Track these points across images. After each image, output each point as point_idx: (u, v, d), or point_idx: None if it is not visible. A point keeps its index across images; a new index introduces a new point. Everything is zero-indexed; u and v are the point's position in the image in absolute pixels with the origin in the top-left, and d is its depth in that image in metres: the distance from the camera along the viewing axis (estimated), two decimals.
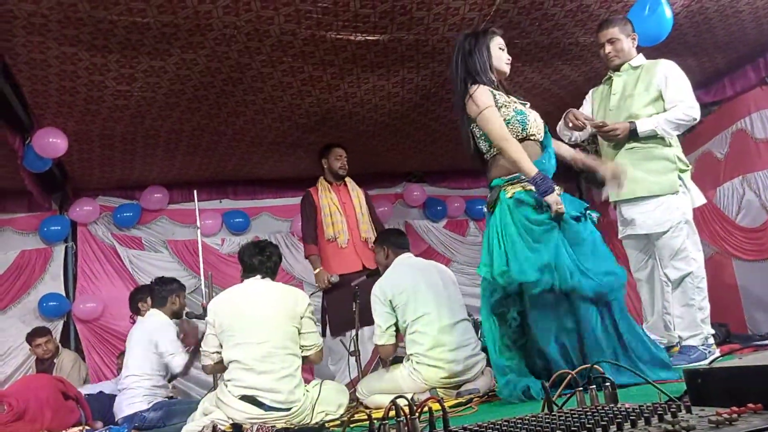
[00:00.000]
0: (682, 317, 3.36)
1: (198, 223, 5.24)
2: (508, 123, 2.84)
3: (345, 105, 4.82)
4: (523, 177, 2.81)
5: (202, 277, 4.98)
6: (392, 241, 3.88)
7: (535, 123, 2.92)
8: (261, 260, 3.35)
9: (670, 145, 3.38)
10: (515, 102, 2.93)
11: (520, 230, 2.76)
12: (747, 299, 5.30)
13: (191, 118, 4.71)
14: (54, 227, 5.93)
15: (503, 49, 2.99)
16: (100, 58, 3.67)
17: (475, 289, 6.04)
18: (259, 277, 3.34)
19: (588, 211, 2.90)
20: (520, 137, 2.84)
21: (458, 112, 3.02)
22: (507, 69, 3.00)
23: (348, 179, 4.82)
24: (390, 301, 3.54)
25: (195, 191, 5.37)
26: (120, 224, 6.17)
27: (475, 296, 5.66)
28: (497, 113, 2.82)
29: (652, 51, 4.46)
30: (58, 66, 3.70)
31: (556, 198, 2.73)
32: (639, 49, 3.56)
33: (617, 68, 3.51)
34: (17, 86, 3.95)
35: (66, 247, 6.03)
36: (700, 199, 3.48)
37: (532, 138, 2.88)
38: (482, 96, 2.83)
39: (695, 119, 3.35)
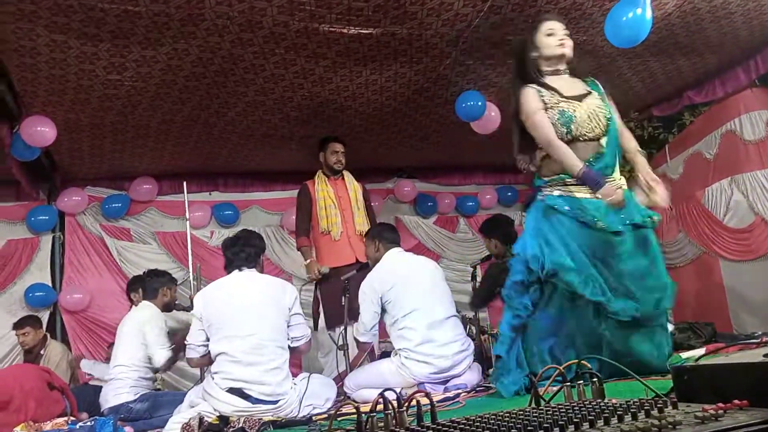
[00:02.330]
0: None
1: (187, 215, 5.21)
2: (553, 126, 2.83)
3: (337, 98, 4.80)
4: (565, 179, 2.81)
5: (191, 270, 4.96)
6: (383, 235, 3.89)
7: (588, 120, 2.83)
8: (234, 251, 3.36)
9: None
10: (564, 102, 2.86)
11: (555, 231, 2.77)
12: (733, 299, 5.33)
13: (182, 108, 4.68)
14: (41, 217, 5.87)
15: (553, 33, 2.92)
16: (90, 47, 3.64)
17: (464, 285, 6.06)
18: (243, 269, 3.33)
19: (646, 219, 2.84)
20: (566, 140, 2.81)
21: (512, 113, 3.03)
22: (560, 51, 2.91)
23: (346, 173, 4.89)
24: (380, 298, 3.54)
25: (184, 183, 5.34)
26: (108, 215, 6.12)
27: (464, 293, 5.71)
28: (545, 117, 2.82)
29: (643, 50, 4.50)
30: (48, 54, 3.66)
31: (608, 190, 2.69)
32: (626, 53, 3.56)
33: None
34: (5, 74, 3.90)
35: (53, 237, 5.98)
36: None
37: (581, 139, 2.82)
38: (529, 101, 2.86)
39: None
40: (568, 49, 2.90)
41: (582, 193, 2.80)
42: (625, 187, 2.86)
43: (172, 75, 4.11)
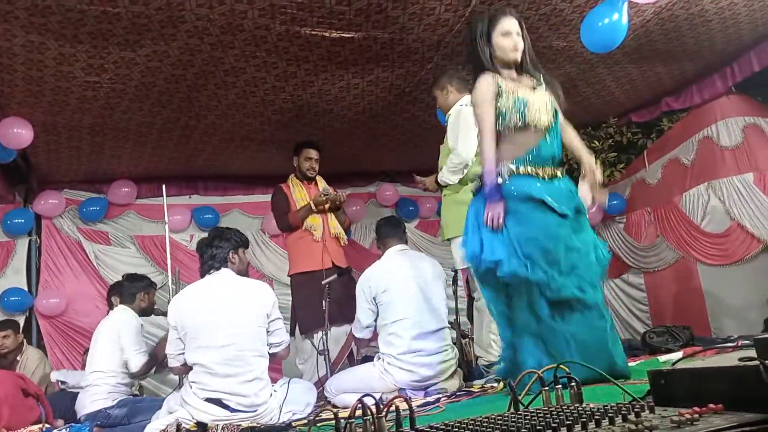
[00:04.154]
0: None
1: (166, 219, 5.16)
2: (506, 113, 2.81)
3: (319, 102, 4.80)
4: (515, 166, 2.80)
5: (170, 274, 4.91)
6: (381, 232, 3.82)
7: (540, 110, 2.84)
8: (202, 254, 3.29)
9: (461, 187, 3.76)
10: (518, 88, 2.86)
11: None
12: (711, 303, 5.40)
13: (162, 111, 4.64)
14: (17, 220, 5.77)
15: (509, 34, 2.87)
16: (68, 48, 3.59)
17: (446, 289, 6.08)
18: (213, 272, 3.25)
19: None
20: (519, 125, 2.81)
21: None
22: (513, 56, 2.89)
23: (318, 177, 4.82)
24: (374, 298, 3.52)
25: (164, 186, 5.29)
26: (86, 218, 6.05)
27: (446, 296, 5.71)
28: (491, 110, 2.81)
29: (622, 56, 4.55)
30: (25, 55, 3.61)
31: (493, 212, 2.70)
32: (605, 58, 3.61)
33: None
34: None
35: (29, 241, 5.89)
36: None
37: (532, 125, 2.82)
38: (482, 91, 2.83)
39: (461, 162, 3.71)
40: (519, 53, 2.91)
41: (538, 177, 2.81)
42: (560, 176, 2.88)
43: (151, 77, 4.07)
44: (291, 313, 4.63)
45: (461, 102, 3.83)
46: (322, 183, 4.80)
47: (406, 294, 3.47)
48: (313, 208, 4.53)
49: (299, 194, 4.65)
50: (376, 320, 3.57)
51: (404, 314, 3.42)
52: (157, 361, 4.05)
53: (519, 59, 2.92)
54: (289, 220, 4.60)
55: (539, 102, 2.86)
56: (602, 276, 2.84)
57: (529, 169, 2.80)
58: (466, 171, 3.75)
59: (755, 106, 5.29)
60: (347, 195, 4.85)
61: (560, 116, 2.95)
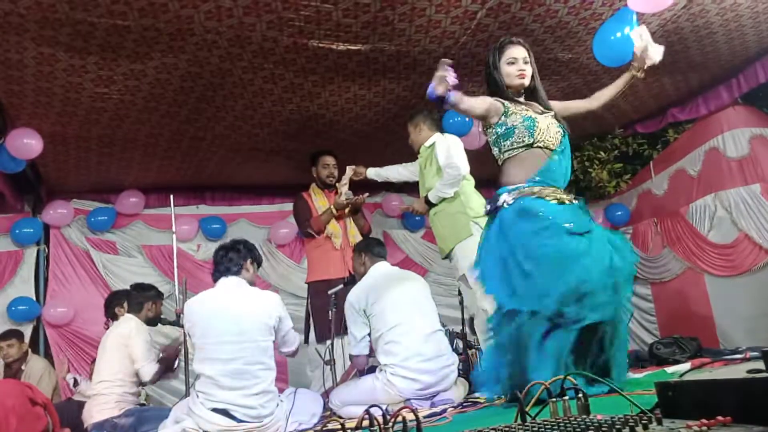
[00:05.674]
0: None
1: (174, 228, 5.19)
2: (514, 129, 2.83)
3: (326, 113, 4.82)
4: (532, 187, 2.78)
5: (177, 283, 4.92)
6: (369, 249, 3.89)
7: (548, 131, 2.86)
8: (219, 256, 3.34)
9: (454, 200, 4.03)
10: (527, 110, 2.89)
11: (513, 249, 2.70)
12: (718, 314, 5.38)
13: (170, 122, 4.67)
14: (26, 229, 5.79)
15: (514, 62, 2.93)
16: (78, 60, 3.63)
17: (451, 300, 6.06)
18: (229, 275, 3.28)
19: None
20: (526, 143, 2.83)
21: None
22: (519, 82, 2.93)
23: (339, 184, 4.90)
24: (364, 311, 3.53)
25: (171, 196, 5.32)
26: (94, 228, 6.07)
27: (451, 306, 5.72)
28: (480, 100, 2.88)
29: (627, 68, 4.55)
30: (35, 67, 3.65)
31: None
32: (611, 70, 3.64)
33: (418, 151, 4.35)
34: None
35: (38, 250, 5.91)
36: None
37: (539, 145, 2.84)
38: (482, 97, 2.91)
39: (458, 174, 4.00)
40: (526, 80, 2.95)
41: (550, 197, 2.80)
42: (573, 200, 2.87)
43: (160, 89, 4.11)
44: (305, 321, 4.66)
45: (433, 138, 4.22)
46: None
47: (396, 301, 3.51)
48: (334, 211, 4.63)
49: (321, 202, 4.79)
50: (369, 334, 3.58)
51: (398, 320, 3.45)
52: (167, 366, 4.08)
53: (526, 85, 2.96)
54: (312, 225, 4.67)
55: (546, 123, 2.89)
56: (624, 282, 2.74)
57: (538, 189, 2.79)
58: (460, 184, 4.00)
59: (762, 118, 5.29)
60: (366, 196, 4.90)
61: (567, 139, 2.98)
